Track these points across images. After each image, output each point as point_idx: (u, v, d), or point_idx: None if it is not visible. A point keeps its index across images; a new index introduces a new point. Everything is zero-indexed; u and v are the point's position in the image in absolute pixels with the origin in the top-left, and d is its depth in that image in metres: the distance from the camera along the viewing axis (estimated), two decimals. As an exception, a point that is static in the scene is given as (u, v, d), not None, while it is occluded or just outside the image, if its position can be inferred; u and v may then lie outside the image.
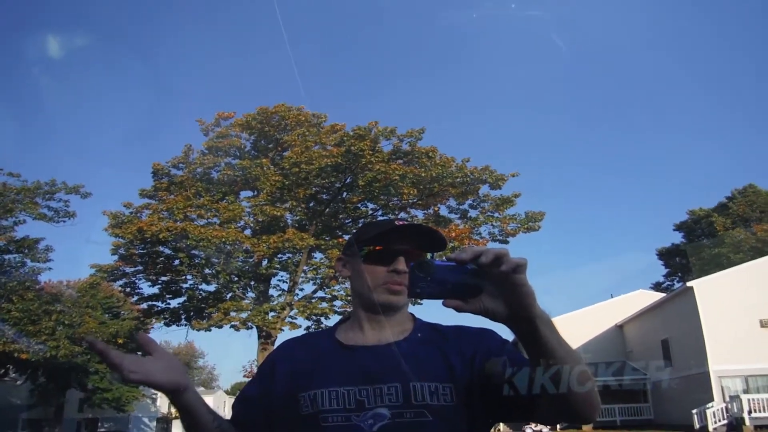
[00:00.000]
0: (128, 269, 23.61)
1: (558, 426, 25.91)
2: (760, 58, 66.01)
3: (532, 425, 31.30)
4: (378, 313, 1.33)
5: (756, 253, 31.45)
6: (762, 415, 22.85)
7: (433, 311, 1.23)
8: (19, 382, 36.36)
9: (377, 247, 1.33)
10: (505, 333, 1.17)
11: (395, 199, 22.48)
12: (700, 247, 40.21)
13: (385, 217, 22.50)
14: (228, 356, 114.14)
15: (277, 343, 22.82)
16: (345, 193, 23.32)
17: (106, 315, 34.41)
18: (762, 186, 43.68)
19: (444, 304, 0.97)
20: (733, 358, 24.16)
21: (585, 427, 25.11)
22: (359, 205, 23.58)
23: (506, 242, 22.60)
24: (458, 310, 0.97)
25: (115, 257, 22.86)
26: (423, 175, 21.10)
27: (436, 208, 23.30)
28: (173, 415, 48.57)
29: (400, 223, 1.33)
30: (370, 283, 1.32)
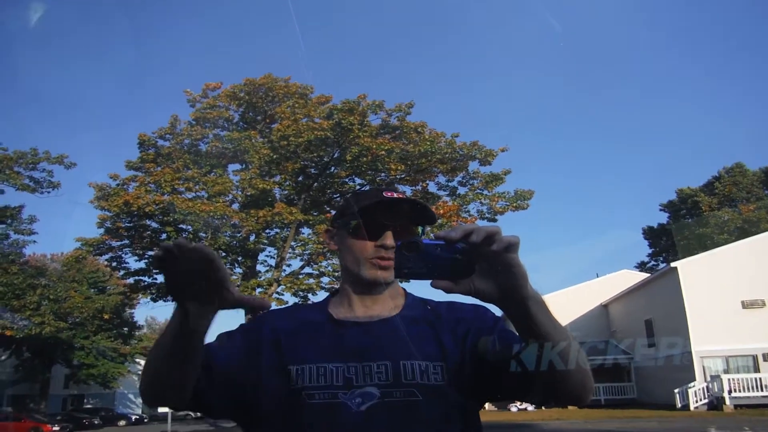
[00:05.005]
0: (114, 243, 23.21)
1: (543, 405, 26.26)
2: (751, 36, 66.40)
3: (518, 403, 31.74)
4: (366, 288, 1.29)
5: (741, 234, 31.78)
6: (742, 395, 23.26)
7: (423, 290, 1.17)
8: (2, 358, 36.14)
9: (365, 221, 1.26)
10: (498, 311, 1.11)
11: (382, 174, 22.40)
12: (685, 226, 40.45)
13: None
14: (213, 333, 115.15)
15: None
16: (333, 168, 23.20)
17: (92, 290, 34.25)
18: (750, 166, 43.97)
19: (432, 285, 0.93)
20: (715, 339, 24.53)
21: (570, 407, 25.46)
22: (347, 179, 23.48)
23: (495, 220, 22.63)
24: (447, 291, 0.93)
25: (101, 231, 22.53)
26: (411, 150, 21.01)
27: (425, 185, 23.24)
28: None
29: (389, 194, 1.27)
30: (358, 257, 1.27)
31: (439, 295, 0.99)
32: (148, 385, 1.17)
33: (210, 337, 1.11)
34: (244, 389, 1.21)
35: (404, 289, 1.37)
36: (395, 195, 1.28)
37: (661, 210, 48.67)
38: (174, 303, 1.03)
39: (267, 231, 22.61)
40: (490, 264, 0.91)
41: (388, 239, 1.24)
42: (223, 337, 1.31)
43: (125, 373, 41.07)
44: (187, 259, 0.93)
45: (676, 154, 73.28)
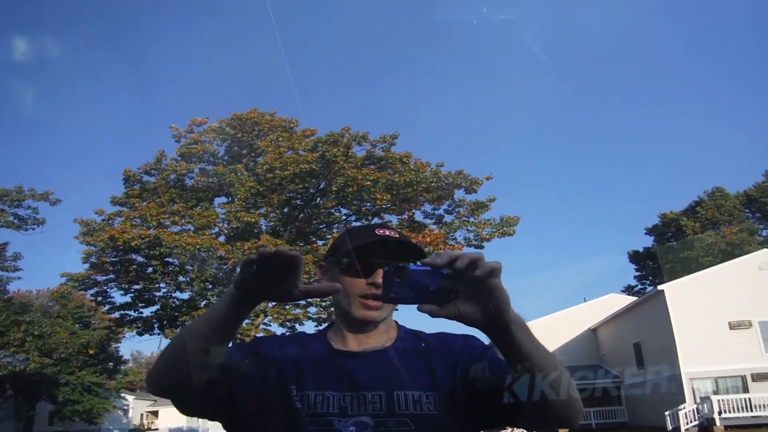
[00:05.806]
0: (100, 278, 23.07)
1: (534, 430, 26.08)
2: (729, 63, 67.62)
3: (509, 429, 31.51)
4: (357, 327, 1.32)
5: (725, 256, 32.13)
6: (732, 415, 23.27)
7: (409, 314, 1.25)
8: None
9: (357, 258, 1.29)
10: (486, 338, 1.16)
11: (368, 204, 22.50)
12: (670, 250, 40.96)
13: (358, 222, 22.54)
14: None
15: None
16: (319, 199, 23.27)
17: (77, 325, 33.79)
18: (730, 189, 44.77)
19: (419, 309, 0.96)
20: (703, 360, 24.60)
21: (561, 430, 25.30)
22: (332, 210, 23.57)
23: (481, 247, 22.66)
24: (433, 315, 0.97)
25: (86, 266, 22.42)
26: (396, 180, 21.17)
27: (411, 214, 23.34)
28: (145, 427, 47.66)
29: (381, 232, 1.31)
30: (348, 294, 1.30)
31: (426, 321, 1.04)
32: (166, 369, 1.18)
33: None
34: (245, 405, 1.23)
35: (396, 322, 1.40)
36: (387, 233, 1.31)
37: (646, 234, 49.37)
38: (235, 291, 1.07)
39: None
40: (474, 289, 0.96)
41: (379, 277, 1.24)
42: (233, 350, 1.32)
43: (111, 409, 40.30)
44: (279, 263, 1.00)
45: (659, 178, 74.18)
